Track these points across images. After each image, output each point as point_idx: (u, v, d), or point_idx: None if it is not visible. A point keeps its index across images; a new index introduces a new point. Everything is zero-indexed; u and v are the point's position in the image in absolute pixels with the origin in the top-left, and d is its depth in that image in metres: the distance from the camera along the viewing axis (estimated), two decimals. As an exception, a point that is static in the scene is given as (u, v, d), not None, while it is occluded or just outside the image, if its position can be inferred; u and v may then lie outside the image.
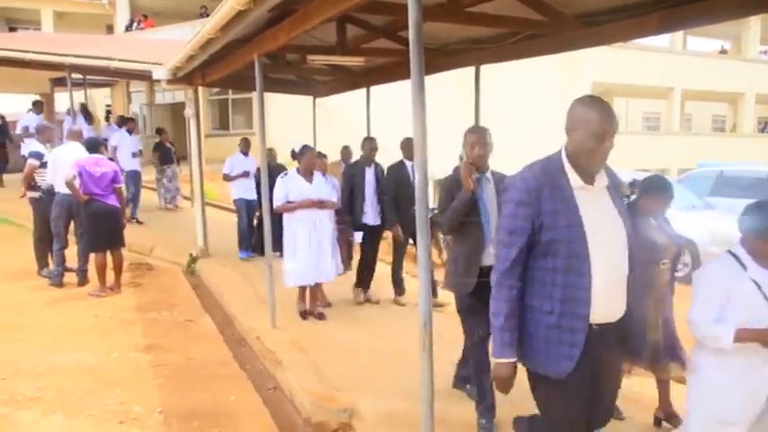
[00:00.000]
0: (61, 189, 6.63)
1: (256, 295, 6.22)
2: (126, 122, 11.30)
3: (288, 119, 12.87)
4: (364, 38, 5.53)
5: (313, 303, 5.67)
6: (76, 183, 6.28)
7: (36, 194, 6.92)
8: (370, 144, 6.23)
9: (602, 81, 20.61)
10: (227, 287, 6.70)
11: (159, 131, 11.81)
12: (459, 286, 3.57)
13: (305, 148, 5.59)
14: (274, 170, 6.85)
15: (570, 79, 18.98)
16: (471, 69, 5.67)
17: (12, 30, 23.91)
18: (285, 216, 5.40)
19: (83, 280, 6.85)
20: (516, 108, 17.05)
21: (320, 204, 5.43)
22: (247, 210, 8.24)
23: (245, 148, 8.31)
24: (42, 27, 23.56)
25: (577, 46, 4.68)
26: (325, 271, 5.52)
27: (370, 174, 6.24)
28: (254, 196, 8.07)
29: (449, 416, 3.55)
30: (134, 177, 10.61)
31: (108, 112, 10.91)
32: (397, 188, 5.85)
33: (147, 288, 6.92)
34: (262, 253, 6.91)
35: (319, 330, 5.30)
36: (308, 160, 5.46)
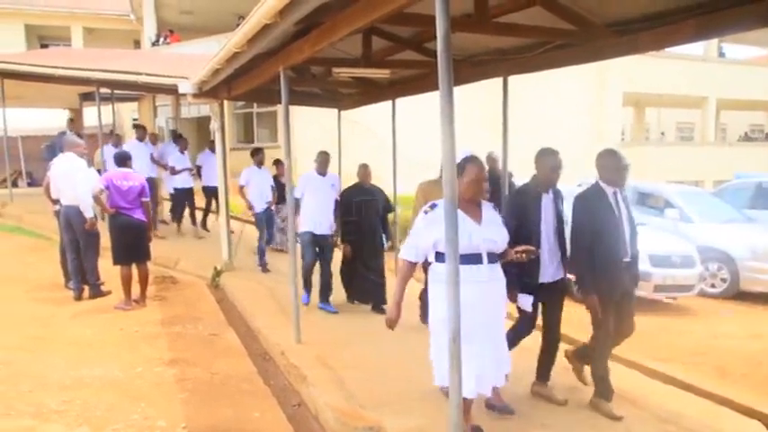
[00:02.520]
0: (63, 201, 6.73)
1: (281, 309, 6.19)
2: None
3: (312, 132, 12.92)
4: (390, 50, 5.49)
5: (497, 397, 3.89)
6: (103, 197, 6.34)
7: (57, 207, 7.01)
8: (553, 160, 3.95)
9: (634, 91, 20.29)
10: (252, 301, 6.67)
11: (275, 162, 9.43)
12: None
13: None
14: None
15: (600, 89, 18.80)
16: (497, 79, 5.60)
17: (43, 46, 24.57)
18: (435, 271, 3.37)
19: (95, 292, 6.88)
20: (545, 119, 16.88)
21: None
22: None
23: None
24: (72, 43, 24.16)
25: (608, 55, 4.58)
26: (504, 359, 3.53)
27: (548, 204, 4.00)
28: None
29: (479, 436, 3.44)
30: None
31: (134, 126, 10.71)
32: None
33: (171, 301, 6.94)
34: None
35: (344, 346, 5.23)
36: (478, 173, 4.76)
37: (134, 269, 6.62)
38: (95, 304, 6.69)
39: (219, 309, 6.77)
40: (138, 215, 6.55)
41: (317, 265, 6.49)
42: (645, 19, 4.07)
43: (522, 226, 3.87)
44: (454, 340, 2.74)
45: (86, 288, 6.90)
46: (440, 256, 3.25)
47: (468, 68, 5.61)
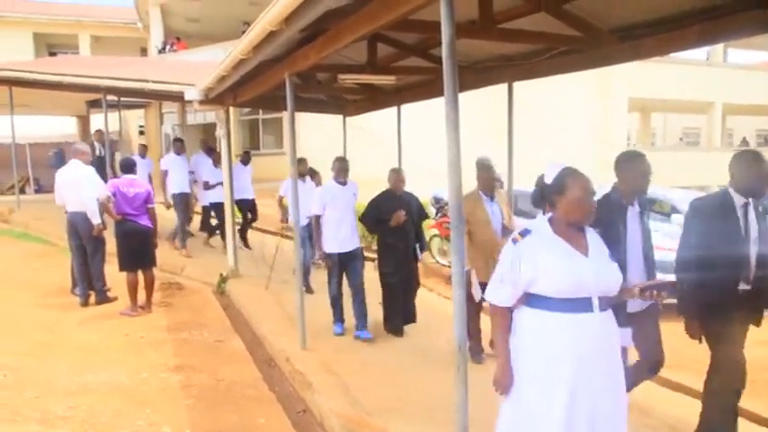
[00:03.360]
0: (68, 207, 6.77)
1: (286, 316, 6.19)
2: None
3: (318, 138, 12.96)
4: (395, 56, 5.52)
5: None
6: (110, 203, 6.37)
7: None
8: (643, 164, 3.38)
9: (639, 96, 20.24)
10: (257, 307, 6.67)
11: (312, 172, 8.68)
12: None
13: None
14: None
15: (605, 95, 18.77)
16: (502, 85, 5.60)
17: (51, 54, 24.81)
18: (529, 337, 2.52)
19: (101, 298, 6.91)
20: (550, 125, 16.88)
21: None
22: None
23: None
24: (80, 51, 24.39)
25: (613, 61, 4.59)
26: None
27: (634, 218, 3.44)
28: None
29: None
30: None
31: (175, 140, 10.19)
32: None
33: (177, 308, 6.94)
34: None
35: (350, 352, 5.22)
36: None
37: (140, 275, 6.64)
38: (101, 310, 6.70)
39: (225, 315, 6.77)
40: (144, 221, 6.58)
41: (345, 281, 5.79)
42: (649, 25, 4.08)
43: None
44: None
45: (93, 294, 6.92)
46: (532, 299, 2.46)
47: (473, 75, 5.62)
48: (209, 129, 19.64)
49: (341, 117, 8.97)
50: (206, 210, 9.87)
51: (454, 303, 2.82)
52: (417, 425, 3.78)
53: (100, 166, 10.50)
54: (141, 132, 20.89)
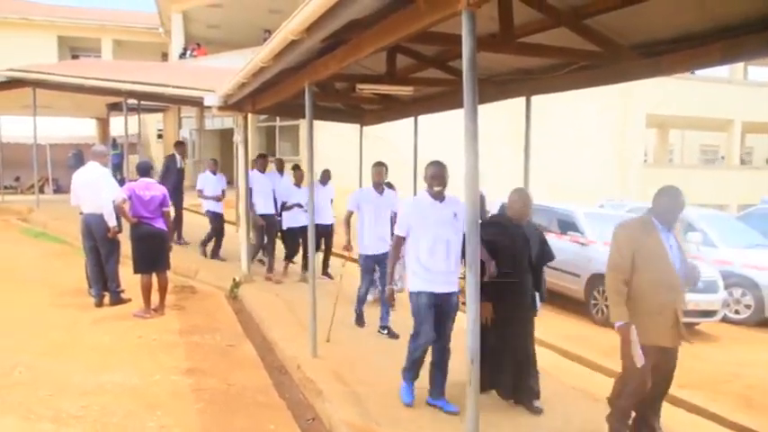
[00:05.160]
0: (84, 209, 6.86)
1: (298, 322, 6.19)
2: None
3: (334, 146, 13.02)
4: (414, 67, 5.54)
5: None
6: (126, 206, 6.44)
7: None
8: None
9: (657, 113, 20.11)
10: (269, 313, 6.69)
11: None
12: None
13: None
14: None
15: (623, 111, 18.66)
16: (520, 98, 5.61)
17: (74, 57, 25.22)
18: None
19: (115, 300, 6.97)
20: (567, 139, 16.81)
21: None
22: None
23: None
24: (102, 54, 24.77)
25: (633, 76, 4.56)
26: None
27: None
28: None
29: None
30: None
31: (259, 156, 8.84)
32: None
33: (190, 311, 6.98)
34: None
35: (361, 361, 5.21)
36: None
37: (154, 278, 6.69)
38: (115, 311, 6.76)
39: (237, 320, 6.80)
40: (160, 224, 6.63)
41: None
42: (671, 41, 4.06)
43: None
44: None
45: (107, 295, 6.99)
46: None
47: (492, 88, 5.62)
48: (226, 134, 19.83)
49: (358, 126, 9.02)
50: (285, 236, 8.55)
51: (468, 317, 2.81)
52: (427, 437, 3.76)
53: (179, 180, 10.23)
54: (159, 136, 21.12)
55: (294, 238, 8.39)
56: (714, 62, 4.03)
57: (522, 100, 5.54)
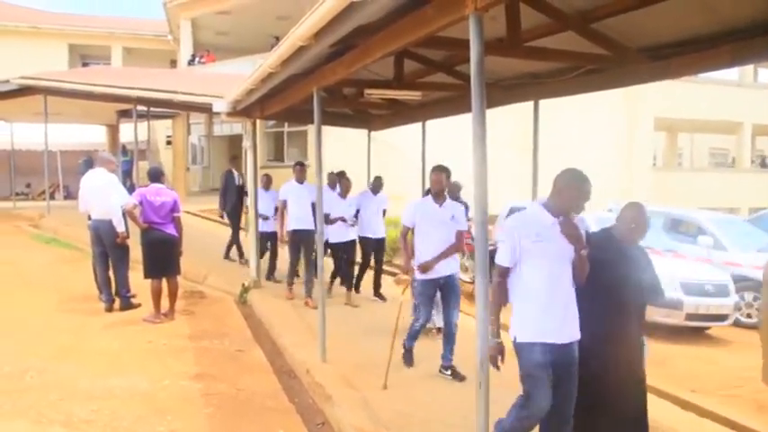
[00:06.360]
0: (93, 215, 6.92)
1: (307, 327, 6.21)
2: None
3: (342, 151, 13.04)
4: (421, 72, 5.55)
5: None
6: (137, 211, 6.49)
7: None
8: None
9: (666, 116, 20.01)
10: (278, 318, 6.71)
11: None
12: None
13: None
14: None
15: (631, 114, 18.58)
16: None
17: (84, 64, 25.45)
18: None
19: (125, 305, 7.00)
20: (574, 142, 16.76)
21: None
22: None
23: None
24: (112, 62, 24.97)
25: (641, 80, 4.55)
26: None
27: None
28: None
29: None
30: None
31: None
32: None
33: (199, 316, 7.01)
34: None
35: (371, 367, 5.19)
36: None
37: (164, 283, 6.72)
38: (125, 316, 6.80)
39: (246, 325, 6.82)
40: (170, 230, 6.67)
41: None
42: (679, 44, 4.04)
43: None
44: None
45: (117, 300, 7.03)
46: None
47: (500, 92, 5.63)
48: (235, 140, 19.92)
49: (365, 131, 9.04)
50: (332, 249, 7.76)
51: (477, 320, 2.81)
52: (436, 442, 3.75)
53: (239, 198, 9.55)
54: (168, 142, 21.25)
55: (337, 255, 7.72)
56: (723, 65, 4.01)
57: (526, 104, 5.54)
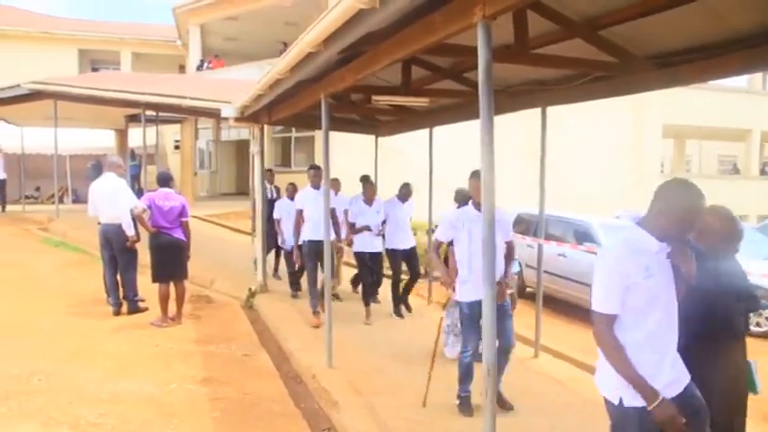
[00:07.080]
0: (102, 219, 6.95)
1: (313, 333, 6.22)
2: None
3: (348, 157, 13.08)
4: (429, 79, 5.56)
5: None
6: (146, 216, 6.53)
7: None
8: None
9: (674, 123, 19.95)
10: (285, 323, 6.72)
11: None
12: None
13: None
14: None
15: (639, 121, 18.53)
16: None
17: (94, 70, 25.67)
18: None
19: (133, 308, 7.04)
20: (582, 149, 16.73)
21: None
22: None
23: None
24: (121, 67, 25.19)
25: (649, 87, 4.56)
26: None
27: None
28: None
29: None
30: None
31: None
32: None
33: (206, 320, 7.04)
34: None
35: (377, 371, 5.20)
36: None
37: (172, 287, 6.75)
38: (133, 320, 6.83)
39: (253, 329, 6.83)
40: (178, 234, 6.70)
41: None
42: (687, 51, 4.04)
43: None
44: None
45: (125, 304, 7.07)
46: None
47: (507, 99, 5.64)
48: (242, 145, 20.02)
49: (372, 137, 9.07)
50: (358, 259, 7.29)
51: (484, 328, 2.81)
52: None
53: (271, 213, 8.42)
54: (176, 147, 21.37)
55: (364, 265, 7.18)
56: (732, 72, 4.02)
57: (533, 111, 5.55)
